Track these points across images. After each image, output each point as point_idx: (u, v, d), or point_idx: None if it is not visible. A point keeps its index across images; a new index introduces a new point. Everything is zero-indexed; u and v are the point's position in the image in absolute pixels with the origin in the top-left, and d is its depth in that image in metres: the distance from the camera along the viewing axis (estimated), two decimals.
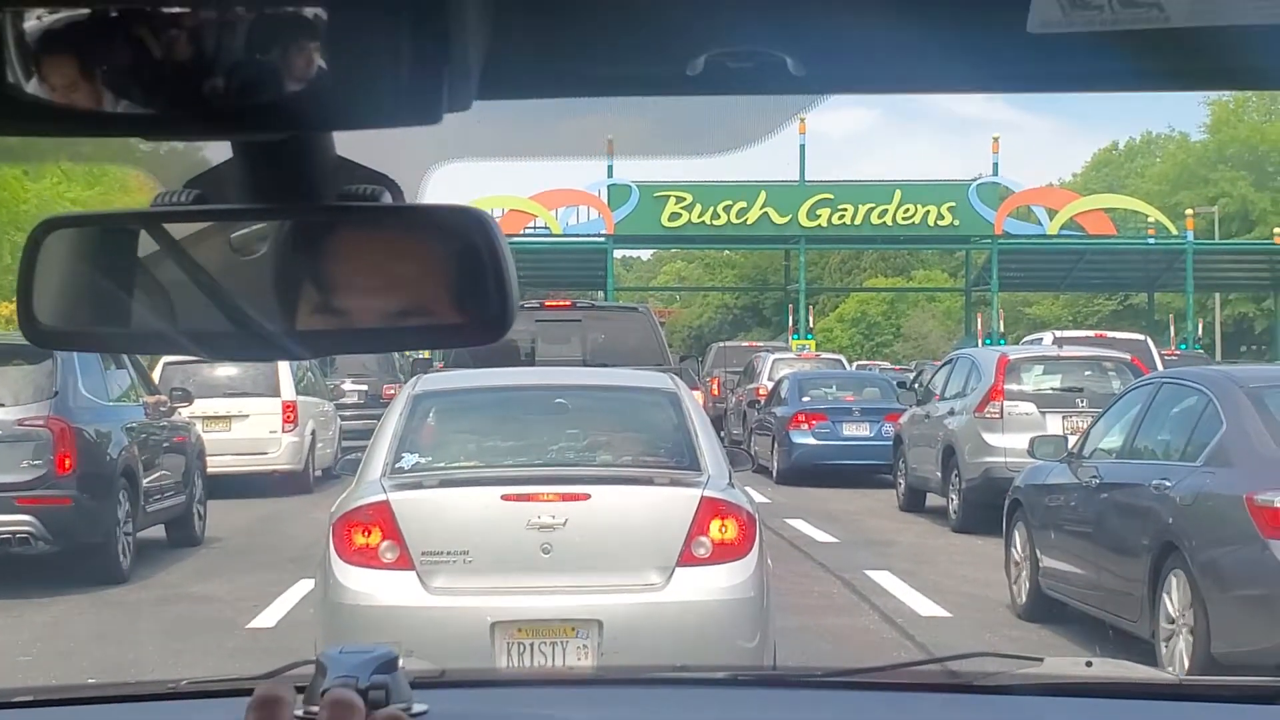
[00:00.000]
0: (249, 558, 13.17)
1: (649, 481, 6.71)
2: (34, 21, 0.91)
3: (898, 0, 1.03)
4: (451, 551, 6.36)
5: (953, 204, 41.16)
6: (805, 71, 1.11)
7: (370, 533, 6.39)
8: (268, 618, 10.16)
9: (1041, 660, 2.37)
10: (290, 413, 18.58)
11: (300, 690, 1.86)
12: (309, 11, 0.89)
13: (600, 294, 41.71)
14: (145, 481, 12.48)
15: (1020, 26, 1.02)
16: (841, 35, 1.08)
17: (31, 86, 0.91)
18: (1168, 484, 8.49)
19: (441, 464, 6.96)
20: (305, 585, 10.49)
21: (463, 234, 1.09)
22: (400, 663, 1.91)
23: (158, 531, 13.50)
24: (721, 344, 38.96)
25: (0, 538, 10.94)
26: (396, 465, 6.85)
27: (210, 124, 0.94)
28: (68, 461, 11.14)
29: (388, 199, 1.11)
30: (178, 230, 1.12)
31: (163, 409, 13.71)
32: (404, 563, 6.33)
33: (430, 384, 7.65)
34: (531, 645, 6.19)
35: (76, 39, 0.90)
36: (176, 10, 0.90)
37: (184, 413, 14.56)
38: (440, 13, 0.90)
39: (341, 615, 6.33)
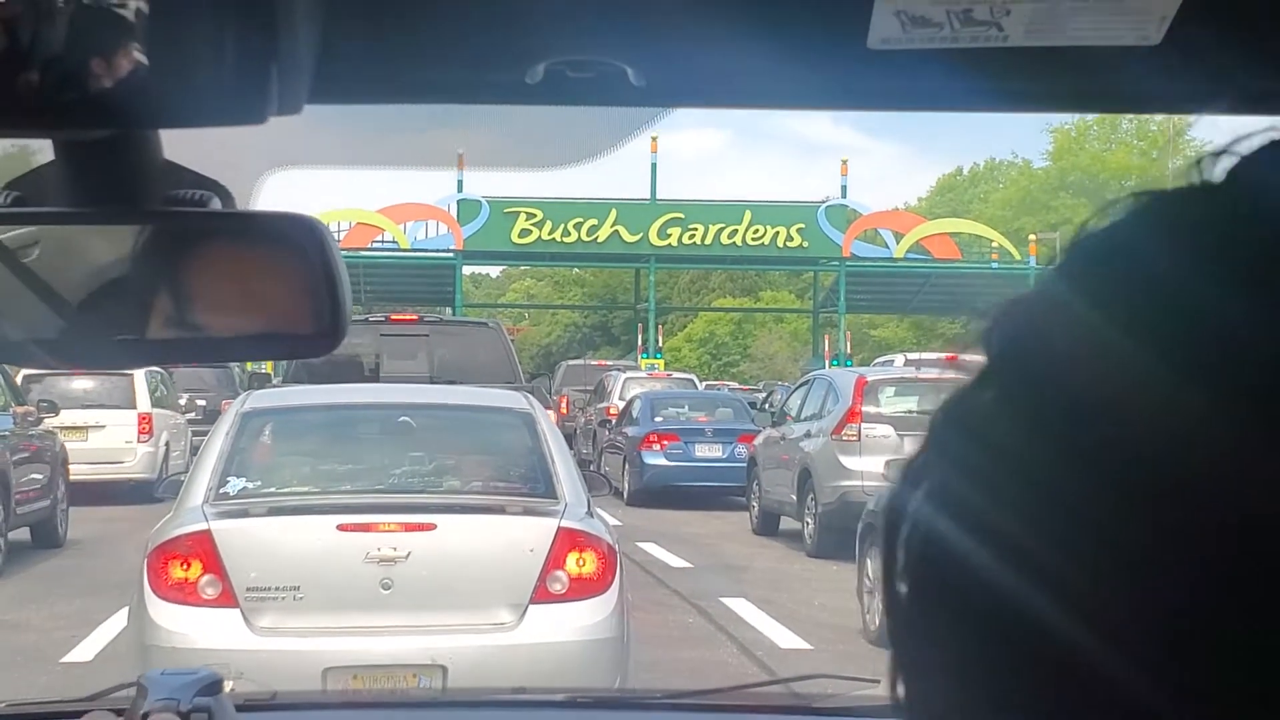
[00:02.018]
0: (75, 580, 12.50)
1: (500, 510, 6.19)
2: None
3: (739, 13, 1.03)
4: (281, 587, 5.78)
5: (802, 225, 41.45)
6: (646, 82, 1.11)
7: (189, 565, 5.78)
8: (85, 650, 9.45)
9: (879, 681, 2.36)
10: (146, 424, 19.51)
11: (119, 714, 1.87)
12: (130, 2, 0.86)
13: (449, 310, 41.13)
14: (17, 486, 13.47)
15: (861, 42, 1.03)
16: (683, 47, 1.09)
17: None
18: None
19: (271, 489, 6.36)
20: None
21: (294, 241, 1.07)
22: (226, 685, 1.93)
23: (21, 534, 14.16)
24: (570, 362, 38.59)
25: None
26: (221, 490, 6.24)
27: (26, 118, 0.91)
28: None
29: (216, 205, 1.09)
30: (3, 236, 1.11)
31: (30, 419, 14.66)
32: (226, 599, 5.74)
33: (261, 400, 7.05)
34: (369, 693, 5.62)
35: None
36: None
37: (47, 423, 15.63)
38: (268, 7, 0.88)
39: (154, 658, 5.69)
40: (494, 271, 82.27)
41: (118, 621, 9.97)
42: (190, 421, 22.93)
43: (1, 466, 13.17)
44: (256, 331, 1.09)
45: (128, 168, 1.04)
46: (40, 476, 14.52)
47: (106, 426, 19.08)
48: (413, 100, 1.19)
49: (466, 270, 45.95)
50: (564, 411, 28.43)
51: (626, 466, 21.14)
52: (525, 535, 6.00)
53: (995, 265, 44.63)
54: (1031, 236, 45.63)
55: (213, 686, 1.88)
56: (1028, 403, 0.50)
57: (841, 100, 1.22)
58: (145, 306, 1.08)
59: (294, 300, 1.08)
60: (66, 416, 17.86)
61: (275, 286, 1.09)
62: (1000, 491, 0.50)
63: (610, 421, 24.64)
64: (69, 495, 15.49)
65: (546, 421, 6.90)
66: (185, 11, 0.85)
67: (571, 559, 5.93)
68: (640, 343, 44.51)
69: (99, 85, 0.86)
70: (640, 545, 14.97)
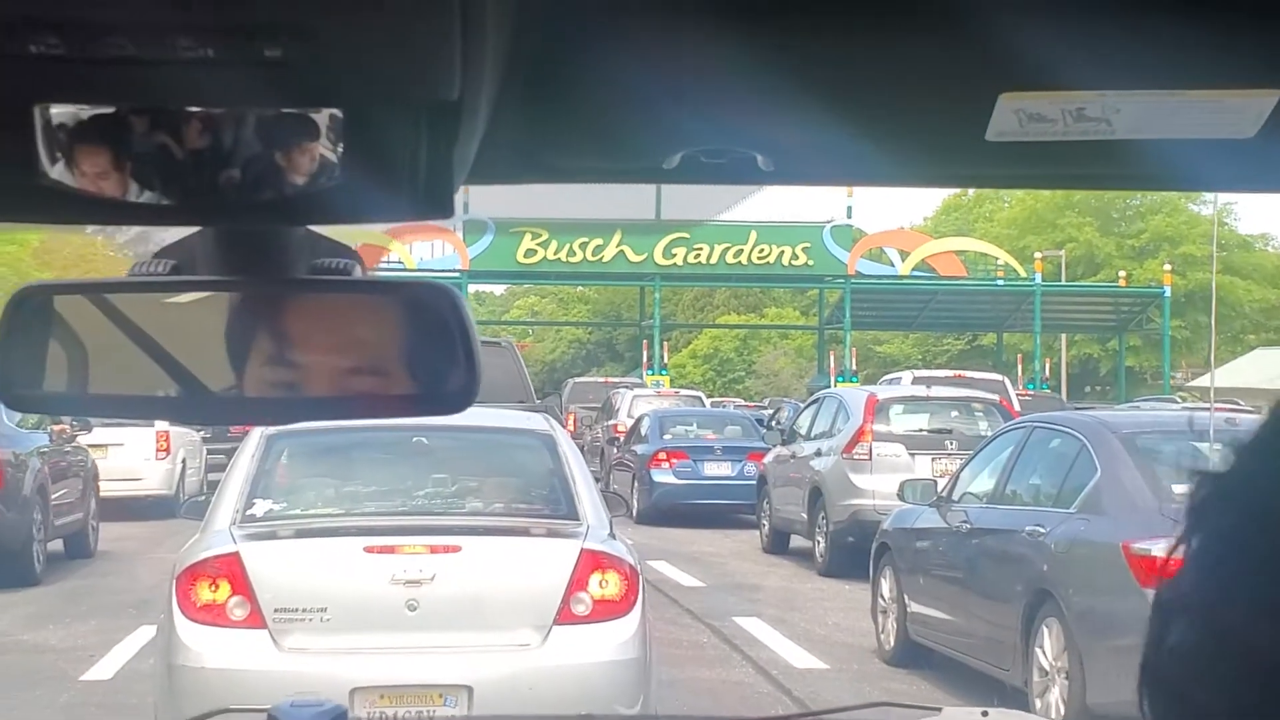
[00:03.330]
0: (93, 597, 12.56)
1: (524, 532, 6.26)
2: (64, 115, 0.93)
3: (865, 105, 1.08)
4: (308, 609, 5.84)
5: (807, 245, 41.47)
6: (774, 167, 1.18)
7: (218, 587, 5.85)
8: (105, 668, 9.52)
9: (940, 710, 2.36)
10: (164, 441, 19.93)
11: None
12: (325, 112, 0.92)
13: None
14: (53, 499, 14.32)
15: (980, 134, 1.10)
16: (811, 136, 1.14)
17: (57, 174, 0.94)
18: (1041, 530, 8.37)
19: (297, 511, 6.43)
20: (147, 632, 9.83)
21: (432, 306, 1.13)
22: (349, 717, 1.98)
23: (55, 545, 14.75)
24: (577, 379, 38.58)
25: None
26: (248, 512, 6.31)
27: (226, 215, 0.99)
28: None
29: (359, 272, 1.15)
30: (153, 300, 1.16)
31: (65, 436, 15.47)
32: (255, 620, 5.80)
33: None
34: (395, 714, 5.68)
35: (106, 132, 0.93)
36: (197, 109, 0.93)
37: (79, 439, 16.36)
38: (454, 115, 0.93)
39: (183, 678, 5.77)
40: (498, 289, 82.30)
41: (136, 639, 10.04)
42: (204, 440, 23.11)
43: (40, 481, 13.95)
44: (398, 392, 1.16)
45: (278, 240, 1.11)
46: (74, 490, 15.28)
47: (126, 444, 19.45)
48: (557, 181, 1.25)
49: (471, 288, 45.99)
50: (572, 429, 28.44)
51: (635, 484, 21.15)
52: (548, 557, 6.07)
53: (1001, 282, 44.66)
54: (1037, 254, 45.65)
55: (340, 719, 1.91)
56: None
57: (954, 182, 1.31)
58: (297, 368, 1.14)
59: (431, 362, 1.14)
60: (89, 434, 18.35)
61: (415, 349, 1.15)
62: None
63: (618, 439, 24.63)
64: (99, 509, 16.25)
65: (567, 443, 6.97)
66: (383, 118, 0.91)
67: (595, 580, 5.99)
68: (645, 359, 44.52)
69: (291, 186, 0.93)
70: (651, 564, 14.98)
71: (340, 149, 0.93)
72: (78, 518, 15.43)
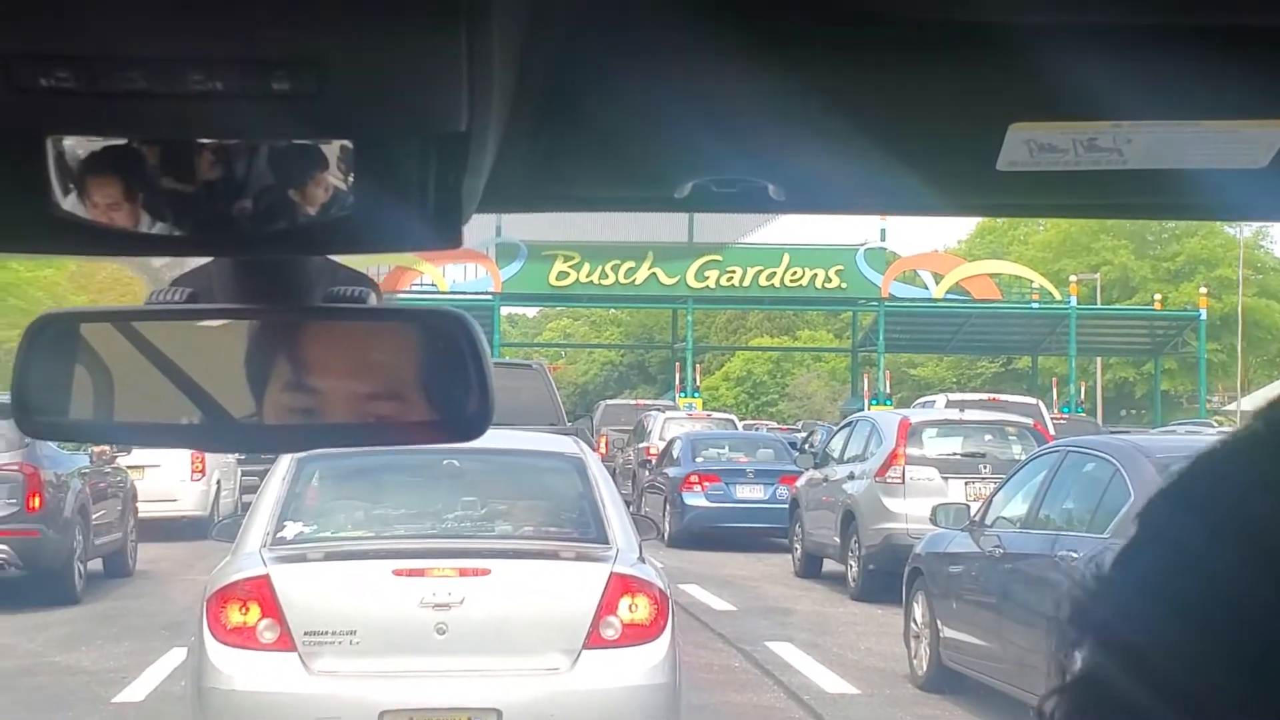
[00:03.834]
0: (123, 621, 12.58)
1: (554, 556, 6.24)
2: (77, 146, 0.94)
3: (876, 137, 1.08)
4: (337, 631, 5.84)
5: (840, 268, 41.39)
6: (785, 196, 1.18)
7: (248, 610, 5.85)
8: (136, 691, 9.53)
9: None
10: (199, 463, 20.20)
11: None
12: (336, 143, 0.93)
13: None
14: (93, 519, 14.62)
15: (991, 164, 1.10)
16: (821, 167, 1.16)
17: (69, 205, 0.94)
18: (1074, 555, 8.29)
19: (327, 534, 6.44)
20: (179, 654, 9.86)
21: (446, 334, 1.15)
22: None
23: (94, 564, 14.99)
24: (609, 401, 38.58)
25: None
26: (279, 535, 6.32)
27: (238, 245, 0.99)
28: (36, 500, 13.35)
29: (373, 300, 1.16)
30: (170, 327, 1.18)
31: (105, 458, 15.81)
32: (284, 643, 5.80)
33: None
34: None
35: (118, 163, 0.94)
36: (208, 141, 0.94)
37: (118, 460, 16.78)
38: (463, 145, 0.93)
39: (213, 701, 5.77)
40: (531, 311, 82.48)
41: (169, 661, 10.06)
42: (239, 461, 23.23)
43: (81, 501, 14.24)
44: (412, 419, 1.17)
45: (295, 269, 1.12)
46: (113, 511, 15.61)
47: (162, 465, 19.67)
48: (568, 209, 1.27)
49: (504, 311, 46.10)
50: (603, 451, 28.43)
51: (667, 507, 21.10)
52: (578, 580, 6.05)
53: (1036, 305, 44.45)
54: (1072, 277, 45.43)
55: None
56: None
57: (965, 211, 1.32)
58: (312, 395, 1.15)
59: (446, 389, 1.15)
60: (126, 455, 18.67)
61: (429, 376, 1.16)
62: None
63: (650, 462, 24.60)
64: (138, 529, 16.67)
65: (597, 466, 6.96)
66: (393, 149, 0.92)
67: (624, 604, 5.97)
68: (678, 381, 44.48)
69: (304, 217, 0.94)
70: (683, 587, 14.94)
71: (351, 180, 0.93)
72: (117, 537, 15.70)
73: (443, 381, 1.16)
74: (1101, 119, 1.06)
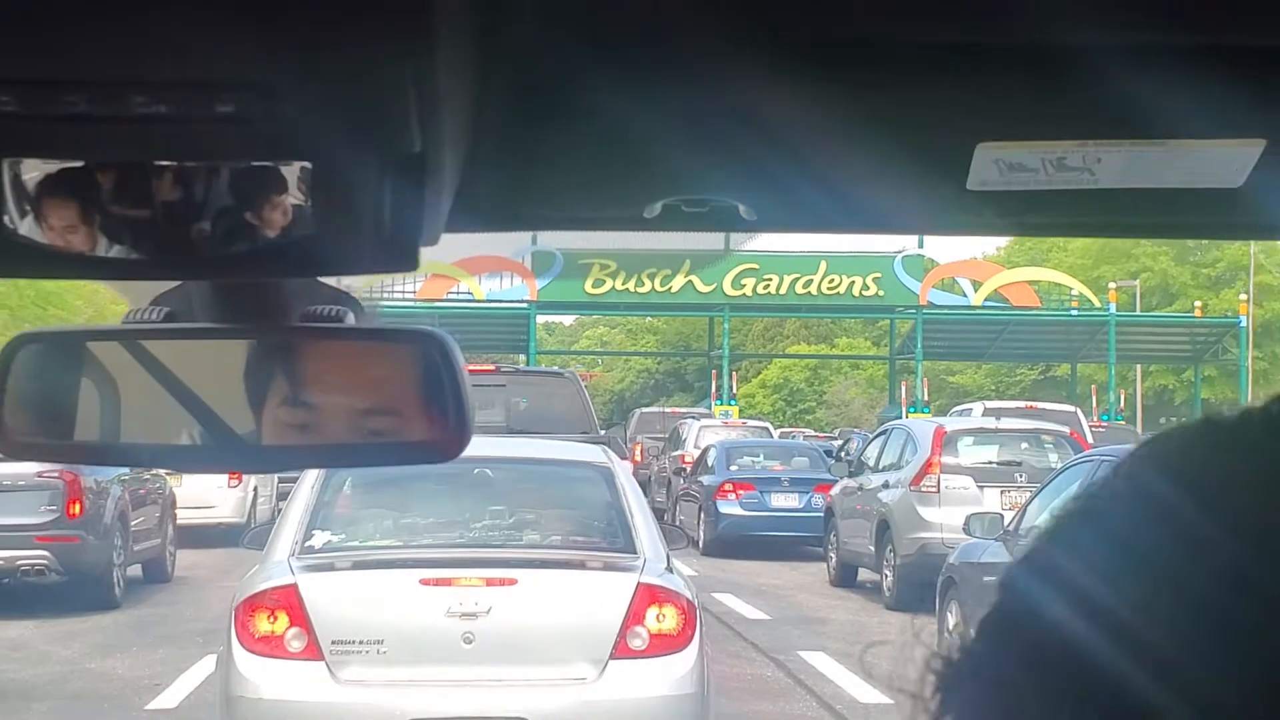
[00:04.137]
0: (159, 628, 12.65)
1: (581, 565, 6.23)
2: (30, 169, 0.93)
3: (845, 157, 1.07)
4: (365, 640, 5.85)
5: (878, 275, 41.26)
6: (757, 215, 1.19)
7: (276, 618, 5.86)
8: (169, 698, 9.58)
9: None
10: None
11: None
12: (295, 165, 0.92)
13: (523, 358, 41.28)
14: (132, 525, 14.86)
15: (960, 184, 1.10)
16: (792, 187, 1.14)
17: (26, 228, 0.93)
18: None
19: (355, 543, 6.44)
20: (213, 661, 9.90)
21: (423, 355, 1.13)
22: None
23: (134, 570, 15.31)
24: (645, 409, 38.58)
25: (22, 569, 13.25)
26: (307, 544, 6.33)
27: (196, 268, 0.99)
28: (77, 507, 13.60)
29: (351, 319, 1.15)
30: (149, 346, 1.17)
31: None
32: (312, 652, 5.81)
33: None
34: None
35: (72, 186, 0.93)
36: (167, 163, 0.93)
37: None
38: (419, 166, 0.92)
39: (241, 709, 5.78)
40: (567, 320, 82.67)
41: (202, 668, 10.10)
42: None
43: (121, 508, 14.49)
44: (389, 439, 1.16)
45: (274, 287, 1.12)
46: (152, 517, 15.86)
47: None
48: (538, 229, 1.28)
49: (540, 319, 46.21)
50: (638, 459, 28.41)
51: (702, 516, 21.07)
52: (605, 590, 6.03)
53: (1075, 312, 44.23)
54: (1111, 284, 45.16)
55: None
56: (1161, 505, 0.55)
57: (938, 230, 1.34)
58: (282, 414, 1.14)
59: (423, 408, 1.14)
60: None
61: (406, 396, 1.15)
62: (1118, 578, 0.54)
63: (685, 470, 24.58)
64: (176, 535, 16.95)
65: (626, 475, 6.94)
66: (345, 172, 0.91)
67: (651, 614, 5.94)
68: (714, 389, 44.46)
69: (264, 239, 0.93)
70: (716, 596, 14.91)
71: (309, 202, 0.93)
72: (155, 543, 15.93)
73: (418, 402, 1.15)
74: (1069, 139, 1.06)
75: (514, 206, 1.20)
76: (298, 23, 0.76)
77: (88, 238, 0.94)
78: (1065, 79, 0.99)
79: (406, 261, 0.95)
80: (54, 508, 13.53)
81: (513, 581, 5.98)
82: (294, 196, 0.93)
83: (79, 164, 0.93)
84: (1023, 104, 1.02)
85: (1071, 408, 25.42)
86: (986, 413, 21.24)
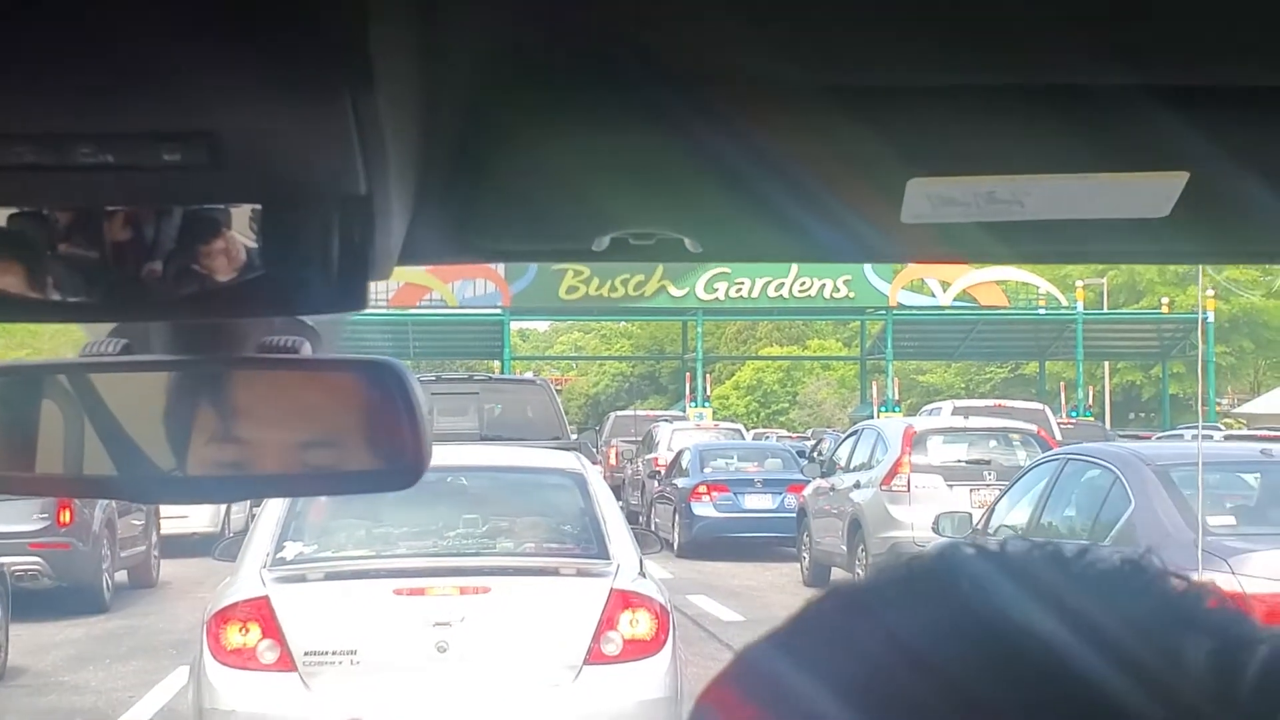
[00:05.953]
0: (133, 638, 12.65)
1: (554, 572, 6.26)
2: None
3: (783, 195, 1.12)
4: (338, 651, 5.86)
5: (848, 277, 41.40)
6: (702, 248, 1.23)
7: (248, 631, 5.87)
8: (143, 710, 9.57)
9: None
10: None
11: None
12: (243, 208, 0.95)
13: (497, 364, 41.28)
14: (119, 533, 15.33)
15: (895, 217, 1.14)
16: (734, 220, 1.19)
17: None
18: None
19: (327, 554, 6.45)
20: (185, 673, 9.88)
21: (379, 384, 1.14)
22: None
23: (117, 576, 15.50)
24: (619, 413, 38.60)
25: (16, 574, 13.09)
26: (279, 555, 6.34)
27: (148, 310, 1.00)
28: (67, 514, 14.06)
29: (307, 350, 1.16)
30: (107, 379, 1.17)
31: None
32: (285, 664, 5.82)
33: None
34: None
35: (18, 233, 0.94)
36: (115, 209, 0.94)
37: None
38: (367, 208, 0.93)
39: None
40: (542, 326, 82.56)
41: (175, 680, 10.08)
42: None
43: (108, 516, 14.94)
44: (348, 469, 1.17)
45: (229, 320, 1.13)
46: (138, 524, 16.29)
47: None
48: (489, 261, 1.33)
49: (514, 325, 46.17)
50: (613, 463, 28.42)
51: (676, 518, 21.12)
52: (578, 597, 6.06)
53: (1042, 311, 44.48)
54: (1079, 283, 45.40)
55: None
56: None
57: (876, 259, 1.42)
58: (238, 444, 1.15)
59: (379, 438, 1.16)
60: None
61: (362, 426, 1.17)
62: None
63: (659, 473, 24.61)
64: (161, 543, 17.37)
65: (598, 481, 6.98)
66: (293, 215, 0.93)
67: (625, 620, 5.98)
68: (688, 391, 44.53)
69: (214, 279, 0.95)
70: (690, 598, 14.95)
71: (258, 244, 0.95)
72: (141, 550, 16.35)
73: (374, 431, 1.16)
74: (997, 173, 1.09)
75: (465, 239, 1.22)
76: (240, 73, 0.78)
77: (38, 283, 0.95)
78: (992, 117, 1.02)
79: (356, 300, 0.97)
80: (44, 515, 14.02)
81: (486, 590, 6.01)
82: (244, 238, 0.95)
83: (27, 210, 0.94)
84: (951, 141, 1.06)
85: (1040, 406, 25.56)
86: (955, 412, 21.36)
